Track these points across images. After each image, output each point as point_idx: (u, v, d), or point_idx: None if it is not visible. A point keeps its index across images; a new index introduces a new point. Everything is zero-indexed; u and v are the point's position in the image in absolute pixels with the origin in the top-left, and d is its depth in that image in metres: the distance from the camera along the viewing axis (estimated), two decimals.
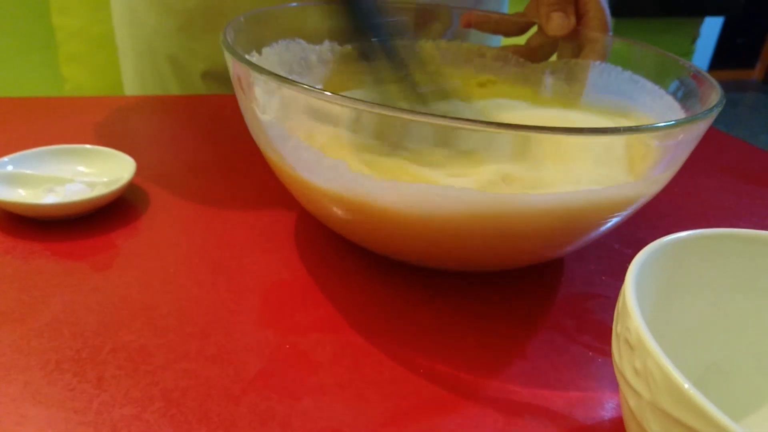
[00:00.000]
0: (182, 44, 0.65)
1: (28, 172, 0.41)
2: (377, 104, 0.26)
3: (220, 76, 0.65)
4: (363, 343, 0.31)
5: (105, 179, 0.41)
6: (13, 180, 0.40)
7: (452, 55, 0.53)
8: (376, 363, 0.30)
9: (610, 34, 0.48)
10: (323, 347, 0.31)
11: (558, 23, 0.46)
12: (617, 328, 0.23)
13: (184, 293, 0.34)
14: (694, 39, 2.27)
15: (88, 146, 0.44)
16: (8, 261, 0.35)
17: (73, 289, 0.33)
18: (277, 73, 0.29)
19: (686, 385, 0.19)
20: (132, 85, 0.72)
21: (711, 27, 3.09)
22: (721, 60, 3.38)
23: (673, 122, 0.29)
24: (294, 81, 0.29)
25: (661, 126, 0.29)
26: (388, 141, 0.31)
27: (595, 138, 0.29)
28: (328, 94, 0.28)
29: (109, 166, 0.43)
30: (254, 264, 0.37)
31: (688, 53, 2.28)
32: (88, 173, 0.43)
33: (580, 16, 0.48)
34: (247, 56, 0.40)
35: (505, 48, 0.52)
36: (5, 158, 0.41)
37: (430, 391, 0.29)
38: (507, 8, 0.75)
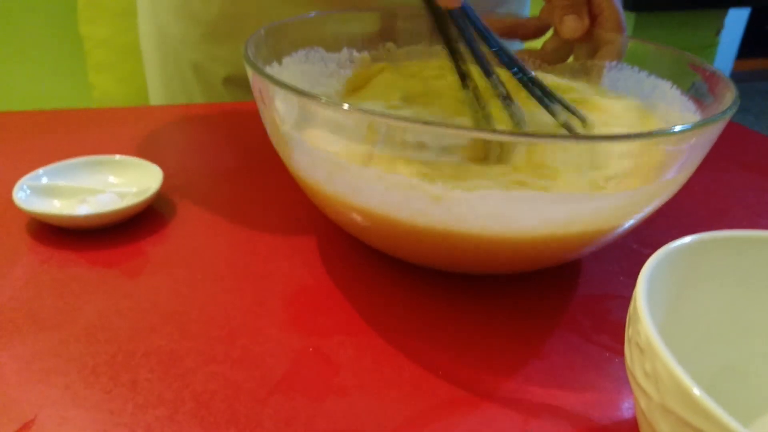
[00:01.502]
0: (205, 51, 0.66)
1: (62, 183, 0.42)
2: (395, 117, 0.27)
3: (241, 82, 0.67)
4: (383, 344, 0.32)
5: (134, 189, 0.43)
6: (48, 192, 0.42)
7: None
8: (396, 364, 0.31)
9: (625, 33, 0.48)
10: (345, 349, 0.32)
11: (571, 26, 0.46)
12: (629, 331, 0.24)
13: (210, 298, 0.35)
14: (718, 31, 2.22)
15: (117, 157, 0.46)
16: (45, 270, 0.37)
17: (107, 295, 0.35)
18: (297, 85, 0.31)
19: (694, 388, 0.19)
20: (157, 93, 0.74)
21: (738, 16, 3.02)
22: (749, 49, 3.31)
23: (689, 126, 0.29)
24: (312, 94, 0.30)
25: (675, 131, 0.29)
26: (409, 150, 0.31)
27: (606, 145, 0.29)
28: (346, 107, 0.29)
29: (137, 176, 0.44)
30: (278, 269, 0.38)
31: (712, 45, 2.23)
32: (118, 183, 0.44)
33: (594, 17, 0.48)
34: (267, 67, 0.41)
35: (522, 51, 0.52)
36: (40, 170, 0.43)
37: (449, 391, 0.30)
38: (529, 9, 0.75)
